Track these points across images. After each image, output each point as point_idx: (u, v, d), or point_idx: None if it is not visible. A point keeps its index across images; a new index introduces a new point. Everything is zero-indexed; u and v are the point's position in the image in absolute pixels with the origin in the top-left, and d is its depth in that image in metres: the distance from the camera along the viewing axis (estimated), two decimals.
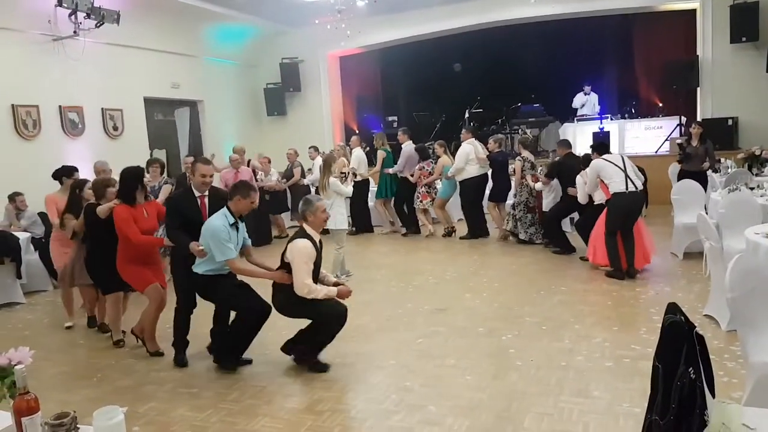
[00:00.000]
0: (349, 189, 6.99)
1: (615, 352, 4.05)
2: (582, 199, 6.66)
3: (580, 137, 11.54)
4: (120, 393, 3.90)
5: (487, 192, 8.64)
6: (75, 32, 8.55)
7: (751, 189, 5.99)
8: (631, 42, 12.91)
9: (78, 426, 1.81)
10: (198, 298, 4.33)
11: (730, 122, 10.27)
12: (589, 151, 6.81)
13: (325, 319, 3.97)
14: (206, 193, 4.33)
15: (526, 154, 8.01)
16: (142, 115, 10.60)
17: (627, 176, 5.93)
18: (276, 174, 9.73)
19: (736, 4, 9.98)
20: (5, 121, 8.14)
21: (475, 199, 8.60)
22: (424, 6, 11.96)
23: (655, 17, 11.89)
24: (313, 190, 9.76)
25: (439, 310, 5.27)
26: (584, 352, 4.11)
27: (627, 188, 5.91)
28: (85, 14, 8.37)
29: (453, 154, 8.74)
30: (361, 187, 9.02)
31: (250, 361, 4.21)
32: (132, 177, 4.52)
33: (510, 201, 8.24)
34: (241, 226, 4.13)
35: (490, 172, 8.52)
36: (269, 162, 9.73)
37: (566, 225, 8.11)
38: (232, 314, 4.23)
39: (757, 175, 7.85)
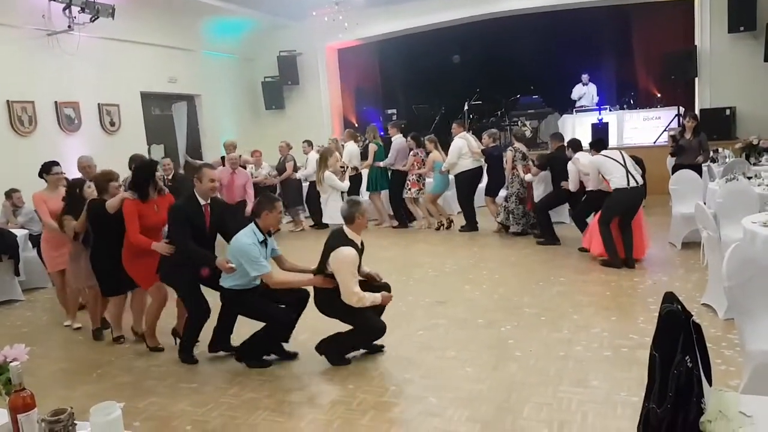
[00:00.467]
0: (345, 184, 6.99)
1: (613, 342, 4.07)
2: (573, 186, 6.78)
3: (579, 129, 11.52)
4: (120, 389, 3.91)
5: (484, 187, 8.65)
6: (69, 27, 8.52)
7: (749, 178, 5.99)
8: (630, 33, 12.87)
9: (75, 422, 1.81)
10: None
11: (727, 112, 10.26)
12: (587, 144, 6.83)
13: (367, 330, 3.97)
14: (209, 201, 4.26)
15: (518, 145, 8.02)
16: (139, 110, 10.57)
17: (628, 171, 5.95)
18: (267, 167, 9.60)
19: None
20: (1, 118, 8.12)
21: (469, 193, 8.63)
22: None
23: (653, 7, 11.84)
24: (305, 185, 9.75)
25: (439, 303, 5.28)
26: (583, 342, 4.12)
27: (629, 184, 5.94)
28: (79, 8, 8.34)
29: (448, 147, 8.75)
30: (355, 181, 9.01)
31: (296, 354, 4.17)
32: (145, 170, 4.45)
33: (503, 193, 8.25)
34: (270, 240, 4.09)
35: (486, 167, 8.53)
36: (261, 155, 9.60)
37: (565, 216, 8.12)
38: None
39: (754, 164, 7.86)
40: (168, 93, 11.42)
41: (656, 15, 12.04)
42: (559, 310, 4.85)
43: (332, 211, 6.61)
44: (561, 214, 8.13)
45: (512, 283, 5.81)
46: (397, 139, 9.16)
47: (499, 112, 13.15)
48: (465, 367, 3.85)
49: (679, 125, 10.58)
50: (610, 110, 11.98)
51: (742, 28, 9.94)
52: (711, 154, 8.25)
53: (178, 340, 4.58)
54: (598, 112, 11.85)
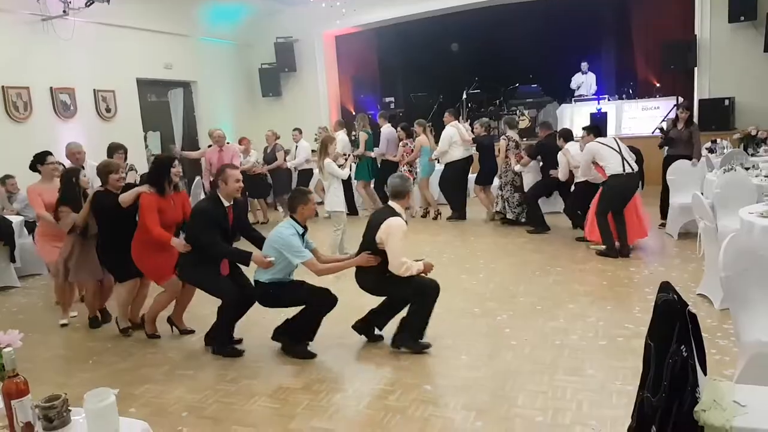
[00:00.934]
0: (345, 171, 6.95)
1: (609, 331, 4.08)
2: (562, 176, 6.83)
3: (577, 118, 11.49)
4: (116, 375, 3.91)
5: (475, 176, 8.67)
6: (65, 12, 8.44)
7: (747, 169, 5.99)
8: (629, 22, 12.79)
9: (70, 408, 1.81)
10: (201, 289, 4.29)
11: (726, 102, 10.22)
12: (582, 132, 6.82)
13: (424, 292, 3.94)
14: (232, 202, 4.22)
15: (511, 133, 8.01)
16: (135, 96, 10.49)
17: (623, 158, 5.96)
18: (256, 155, 9.53)
19: None
20: None
21: (460, 181, 8.64)
22: None
23: None
24: (295, 174, 9.70)
25: None
26: (578, 331, 4.13)
27: (624, 170, 5.95)
28: None
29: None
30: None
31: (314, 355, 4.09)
32: (163, 167, 4.38)
33: (497, 182, 8.26)
34: (306, 234, 4.10)
35: (477, 156, 8.54)
36: (249, 143, 9.51)
37: (559, 206, 8.09)
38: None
39: (752, 155, 7.84)
40: (164, 79, 11.33)
41: (656, 4, 11.95)
42: (555, 299, 4.86)
43: (333, 199, 6.59)
44: (555, 204, 8.11)
45: (508, 272, 5.82)
46: (386, 129, 9.26)
47: (497, 101, 13.09)
48: (461, 356, 3.86)
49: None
50: (609, 100, 11.95)
51: (742, 18, 9.87)
52: (702, 149, 8.17)
53: (175, 329, 4.59)
54: (597, 101, 11.82)
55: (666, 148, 7.26)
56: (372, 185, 9.37)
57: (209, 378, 3.78)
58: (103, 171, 4.59)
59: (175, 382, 3.76)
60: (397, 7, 12.37)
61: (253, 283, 4.09)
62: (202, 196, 7.38)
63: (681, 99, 10.76)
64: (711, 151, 8.41)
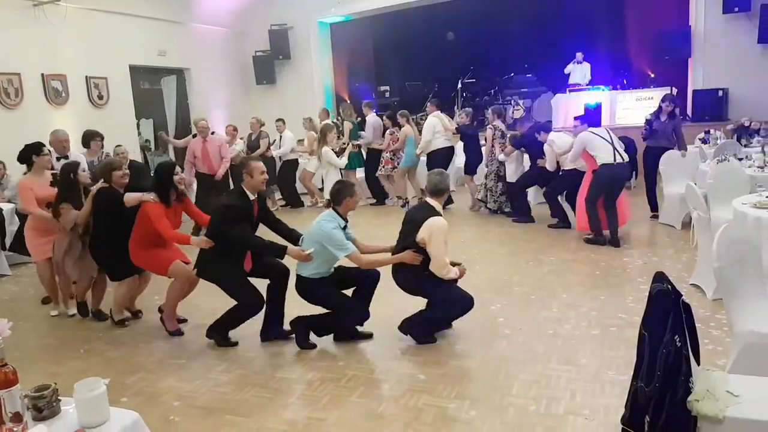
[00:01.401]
0: (342, 160, 6.97)
1: (602, 321, 4.09)
2: (550, 166, 6.90)
3: (572, 108, 11.46)
4: (108, 364, 3.89)
5: (462, 166, 8.64)
6: None
7: (740, 160, 6.02)
8: (624, 12, 12.76)
9: (60, 398, 1.79)
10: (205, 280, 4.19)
11: (720, 93, 10.24)
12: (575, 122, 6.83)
13: (460, 305, 3.91)
14: (256, 195, 4.14)
15: (497, 123, 7.98)
16: (128, 83, 10.38)
17: (615, 148, 6.01)
18: (242, 144, 9.35)
19: None
20: None
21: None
22: None
23: None
24: (278, 163, 9.63)
25: None
26: (572, 320, 4.15)
27: (615, 160, 6.01)
28: None
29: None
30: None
31: (371, 335, 4.11)
32: (165, 175, 4.25)
33: (484, 170, 8.24)
34: (348, 226, 4.05)
35: (462, 146, 8.54)
36: (235, 131, 9.31)
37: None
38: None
39: (745, 146, 7.88)
40: (157, 66, 11.21)
41: None
42: (549, 289, 4.87)
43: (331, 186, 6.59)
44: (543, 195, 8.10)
45: (502, 262, 5.82)
46: (371, 118, 9.34)
47: (492, 91, 13.06)
48: (455, 345, 3.86)
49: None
50: (603, 90, 11.94)
51: (737, 9, 9.87)
52: (696, 139, 8.15)
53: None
54: (591, 91, 11.80)
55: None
56: (357, 174, 9.34)
57: (201, 367, 3.77)
58: (106, 169, 4.51)
59: (167, 371, 3.74)
60: None
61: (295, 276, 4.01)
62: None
63: (675, 90, 10.77)
64: (704, 141, 8.43)
